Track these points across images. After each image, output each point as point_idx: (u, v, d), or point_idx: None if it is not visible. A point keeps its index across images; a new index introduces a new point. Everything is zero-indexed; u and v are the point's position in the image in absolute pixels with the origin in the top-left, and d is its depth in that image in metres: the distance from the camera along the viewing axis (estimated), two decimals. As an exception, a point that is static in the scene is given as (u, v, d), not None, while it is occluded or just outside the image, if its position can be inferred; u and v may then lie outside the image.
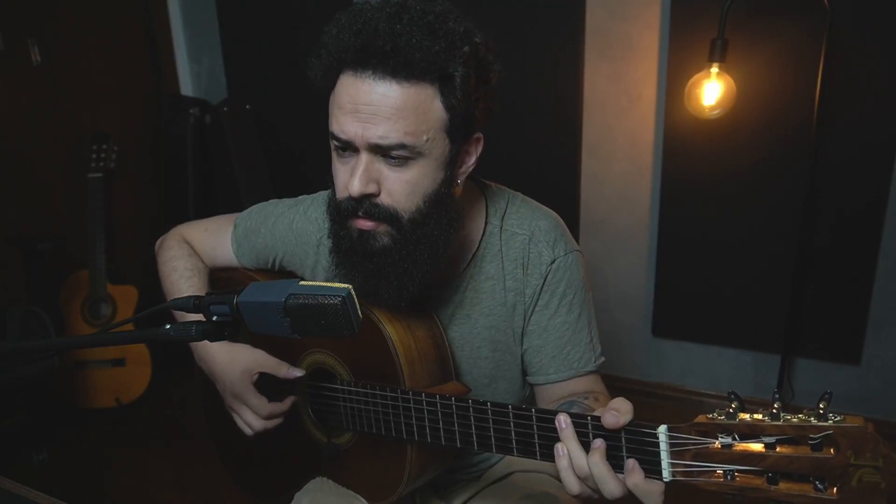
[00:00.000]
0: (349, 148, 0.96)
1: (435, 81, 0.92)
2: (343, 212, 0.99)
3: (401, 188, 0.96)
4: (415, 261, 0.99)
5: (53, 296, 2.68)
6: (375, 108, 0.91)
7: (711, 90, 2.16)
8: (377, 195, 0.96)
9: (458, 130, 0.97)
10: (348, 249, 1.01)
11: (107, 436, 2.68)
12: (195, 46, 3.33)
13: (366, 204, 0.96)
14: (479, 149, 1.04)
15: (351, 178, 0.95)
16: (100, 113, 2.95)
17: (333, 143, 0.98)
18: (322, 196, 1.22)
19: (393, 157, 0.94)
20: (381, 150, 0.94)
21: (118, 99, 3.05)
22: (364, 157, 0.94)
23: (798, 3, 2.17)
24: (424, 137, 0.93)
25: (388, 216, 0.97)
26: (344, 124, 0.94)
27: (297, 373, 1.12)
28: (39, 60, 2.70)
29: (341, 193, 0.99)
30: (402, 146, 0.93)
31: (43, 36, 2.71)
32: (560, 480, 0.86)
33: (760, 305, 2.49)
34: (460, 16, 0.95)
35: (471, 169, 1.05)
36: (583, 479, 0.83)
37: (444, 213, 1.00)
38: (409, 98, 0.91)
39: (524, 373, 1.18)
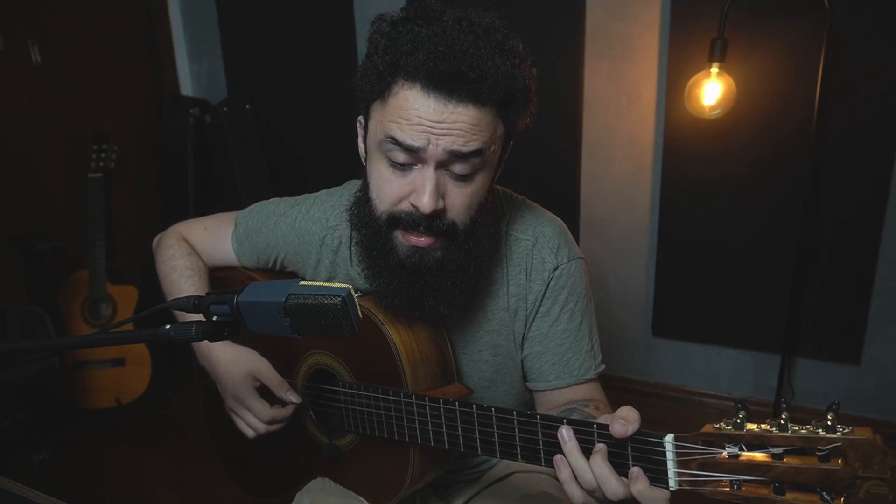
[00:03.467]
0: (412, 159, 0.92)
1: (503, 103, 0.93)
2: (394, 223, 0.96)
3: (461, 202, 0.95)
4: (464, 269, 0.99)
5: (53, 296, 2.68)
6: (449, 126, 0.89)
7: (711, 90, 2.16)
8: (444, 211, 0.95)
9: (507, 142, 0.99)
10: (397, 266, 0.98)
11: (107, 436, 2.68)
12: (195, 46, 3.33)
13: (430, 220, 0.94)
14: (508, 152, 1.05)
15: (419, 194, 0.92)
16: (100, 113, 2.95)
17: (396, 153, 0.92)
18: (323, 195, 1.22)
19: (458, 174, 0.93)
20: (452, 161, 0.92)
21: (118, 99, 3.05)
22: (432, 171, 0.92)
23: (798, 3, 2.17)
24: (492, 148, 0.94)
25: (448, 231, 0.96)
26: (411, 133, 0.90)
27: (295, 399, 1.11)
28: (39, 60, 2.70)
29: (393, 206, 0.96)
30: (479, 153, 0.92)
31: (43, 36, 2.71)
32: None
33: (760, 305, 2.49)
34: (509, 29, 0.95)
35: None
36: (589, 492, 0.82)
37: (487, 219, 1.02)
38: (482, 118, 0.91)
39: (525, 378, 1.18)
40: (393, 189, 0.95)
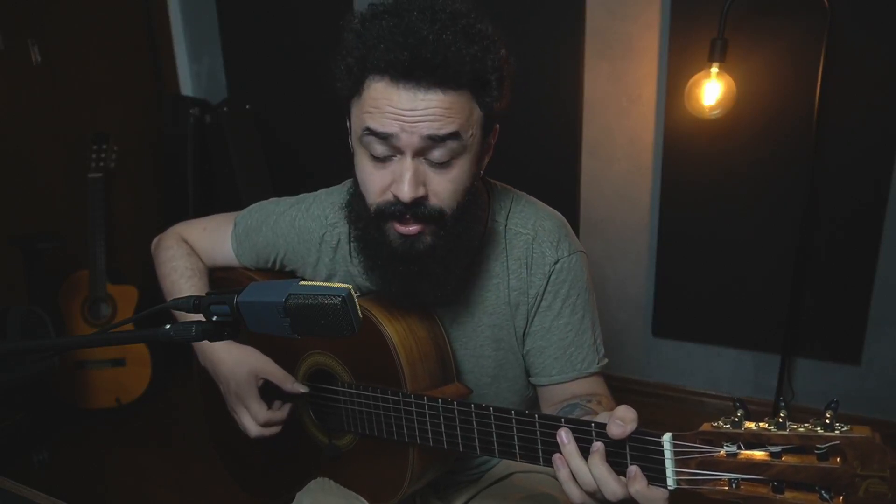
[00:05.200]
0: (390, 150, 0.94)
1: (474, 86, 0.93)
2: (382, 215, 0.97)
3: (445, 188, 0.96)
4: (456, 255, 1.00)
5: (53, 296, 2.68)
6: (422, 113, 0.90)
7: (711, 90, 2.16)
8: (426, 198, 0.96)
9: (488, 125, 0.99)
10: (389, 256, 0.99)
11: (107, 436, 2.68)
12: (195, 46, 3.33)
13: (414, 208, 0.95)
14: (496, 137, 1.06)
15: (398, 183, 0.94)
16: (100, 113, 2.95)
17: (374, 145, 0.94)
18: (323, 194, 1.22)
19: (436, 161, 0.93)
20: (429, 147, 0.92)
21: (118, 99, 3.05)
22: (409, 160, 0.93)
23: (798, 3, 2.17)
24: (470, 132, 0.95)
25: (434, 216, 0.96)
26: (384, 121, 0.91)
27: (302, 389, 1.13)
28: (39, 60, 2.70)
29: (378, 198, 0.97)
30: (455, 135, 0.92)
31: (43, 36, 2.70)
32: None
33: (760, 305, 2.49)
34: (479, 14, 0.95)
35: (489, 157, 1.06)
36: (590, 494, 0.82)
37: (476, 205, 1.02)
38: (453, 102, 0.91)
39: (527, 373, 1.18)
40: (376, 181, 0.97)
